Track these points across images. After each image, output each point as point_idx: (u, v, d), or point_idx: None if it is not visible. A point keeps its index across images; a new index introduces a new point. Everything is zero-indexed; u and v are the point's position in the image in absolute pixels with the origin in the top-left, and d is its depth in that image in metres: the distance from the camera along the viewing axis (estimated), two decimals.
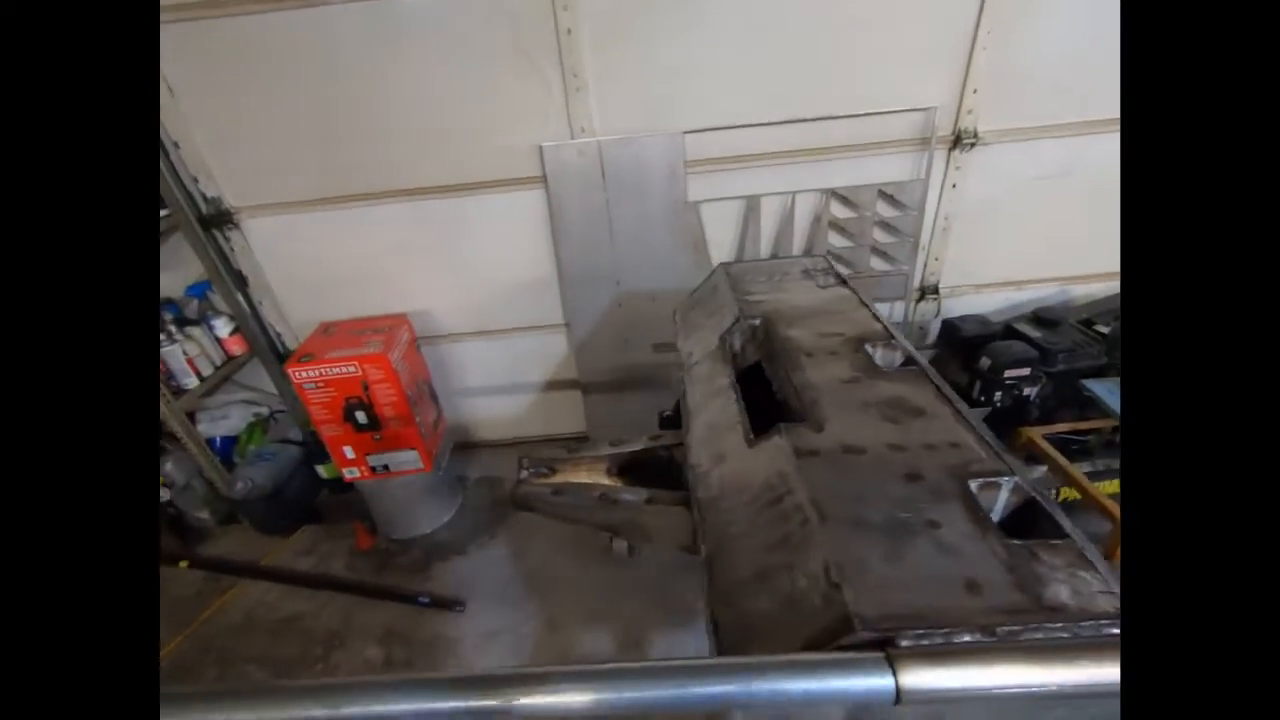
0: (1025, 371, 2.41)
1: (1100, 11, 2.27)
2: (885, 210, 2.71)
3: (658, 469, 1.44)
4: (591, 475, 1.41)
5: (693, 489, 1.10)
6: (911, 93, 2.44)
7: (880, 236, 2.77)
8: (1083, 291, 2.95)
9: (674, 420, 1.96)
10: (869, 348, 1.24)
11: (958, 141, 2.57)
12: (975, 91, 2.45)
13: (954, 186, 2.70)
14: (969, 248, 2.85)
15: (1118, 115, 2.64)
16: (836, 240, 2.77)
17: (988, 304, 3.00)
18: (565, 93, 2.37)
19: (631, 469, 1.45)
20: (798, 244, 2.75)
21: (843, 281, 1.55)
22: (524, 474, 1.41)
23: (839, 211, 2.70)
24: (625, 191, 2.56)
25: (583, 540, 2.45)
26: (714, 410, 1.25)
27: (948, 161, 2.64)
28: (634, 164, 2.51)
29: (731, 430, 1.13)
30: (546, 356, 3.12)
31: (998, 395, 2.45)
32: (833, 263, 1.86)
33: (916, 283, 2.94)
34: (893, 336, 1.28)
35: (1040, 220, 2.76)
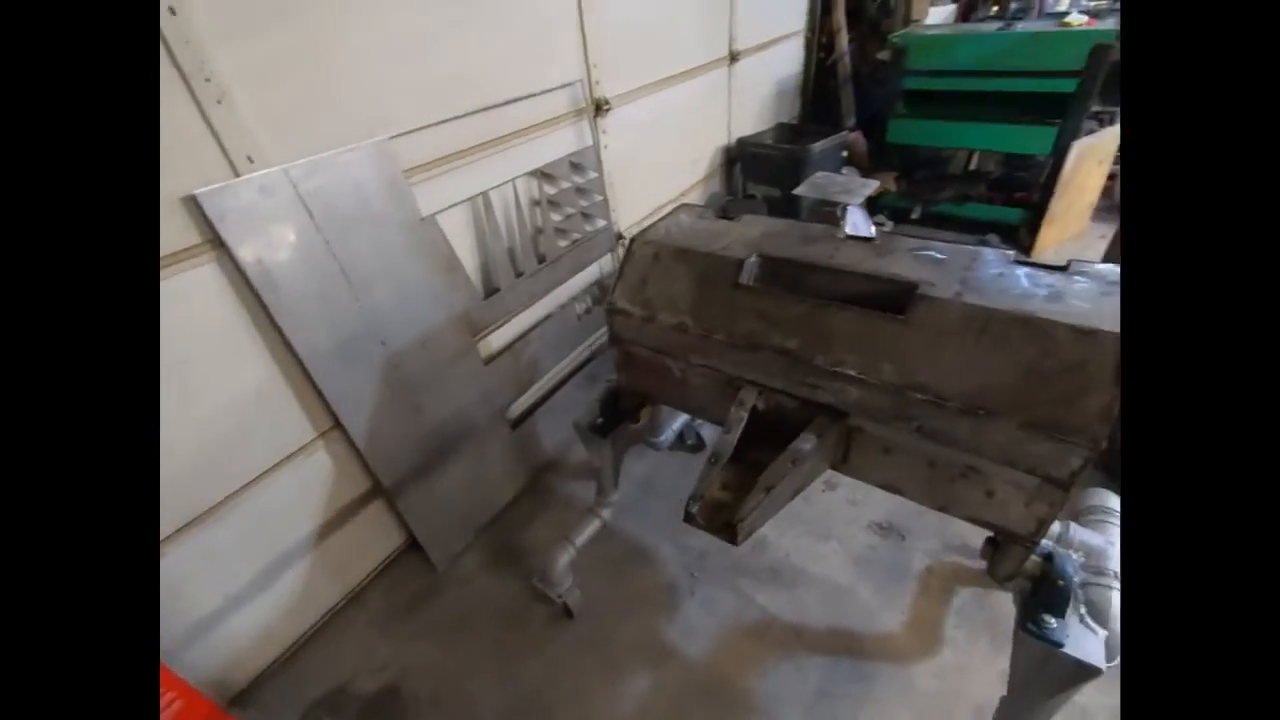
0: None
1: None
2: (578, 178, 2.88)
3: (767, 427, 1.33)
4: None
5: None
6: (562, 71, 2.63)
7: (583, 201, 2.95)
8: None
9: (611, 425, 1.76)
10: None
11: (599, 109, 2.93)
12: (596, 65, 2.82)
13: (606, 147, 3.08)
14: (630, 192, 3.36)
15: (680, 70, 3.50)
16: (555, 215, 2.80)
17: None
18: (199, 107, 1.52)
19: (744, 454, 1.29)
20: (529, 227, 2.66)
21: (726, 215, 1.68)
22: None
23: (549, 188, 2.73)
24: (346, 226, 1.90)
25: None
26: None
27: (595, 127, 2.98)
28: (344, 188, 1.87)
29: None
30: (311, 489, 2.13)
31: None
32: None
33: (614, 233, 3.29)
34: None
35: (657, 158, 3.50)
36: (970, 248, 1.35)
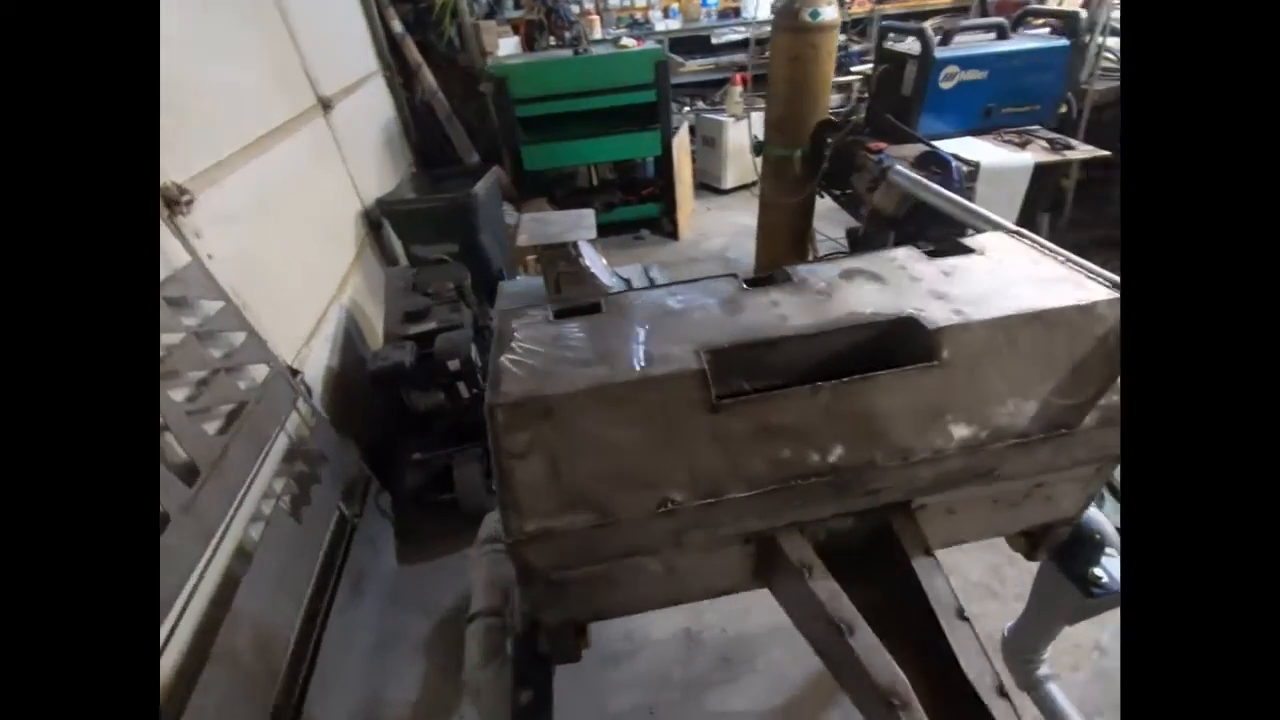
0: None
1: None
2: (189, 318, 1.72)
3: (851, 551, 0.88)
4: None
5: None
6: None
7: (216, 351, 1.78)
8: None
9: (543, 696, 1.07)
10: None
11: (171, 205, 1.80)
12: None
13: (211, 257, 1.95)
14: (276, 310, 2.28)
15: (267, 128, 2.43)
16: (179, 393, 1.60)
17: None
18: None
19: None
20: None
21: None
22: None
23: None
24: None
25: None
26: None
27: (180, 232, 1.83)
28: None
29: None
30: None
31: None
32: None
33: (284, 370, 2.16)
34: None
35: (286, 249, 2.47)
36: (885, 253, 1.17)
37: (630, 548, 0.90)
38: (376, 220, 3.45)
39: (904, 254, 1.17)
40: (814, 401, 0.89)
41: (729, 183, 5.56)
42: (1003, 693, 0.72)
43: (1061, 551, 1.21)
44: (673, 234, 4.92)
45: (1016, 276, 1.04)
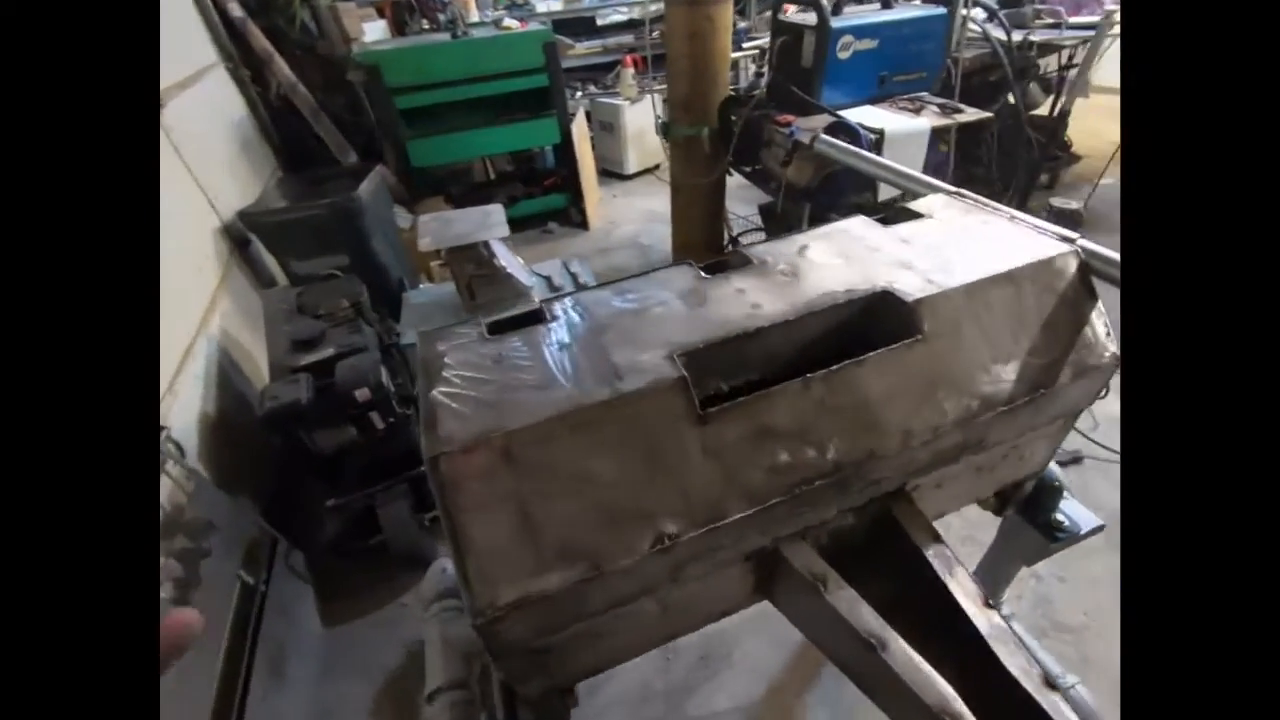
0: None
1: None
2: None
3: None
4: None
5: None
6: None
7: None
8: None
9: None
10: None
11: None
12: None
13: None
14: None
15: None
16: None
17: None
18: None
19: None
20: None
21: None
22: None
23: None
24: None
25: None
26: None
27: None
28: None
29: None
30: None
31: None
32: None
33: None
34: None
35: None
36: (837, 225, 1.11)
37: (623, 597, 0.76)
38: (242, 236, 2.97)
39: (856, 224, 1.11)
40: (807, 396, 0.80)
41: (632, 167, 5.45)
42: (1049, 684, 0.67)
43: (1026, 502, 1.24)
44: (582, 224, 4.75)
45: (973, 238, 1.02)
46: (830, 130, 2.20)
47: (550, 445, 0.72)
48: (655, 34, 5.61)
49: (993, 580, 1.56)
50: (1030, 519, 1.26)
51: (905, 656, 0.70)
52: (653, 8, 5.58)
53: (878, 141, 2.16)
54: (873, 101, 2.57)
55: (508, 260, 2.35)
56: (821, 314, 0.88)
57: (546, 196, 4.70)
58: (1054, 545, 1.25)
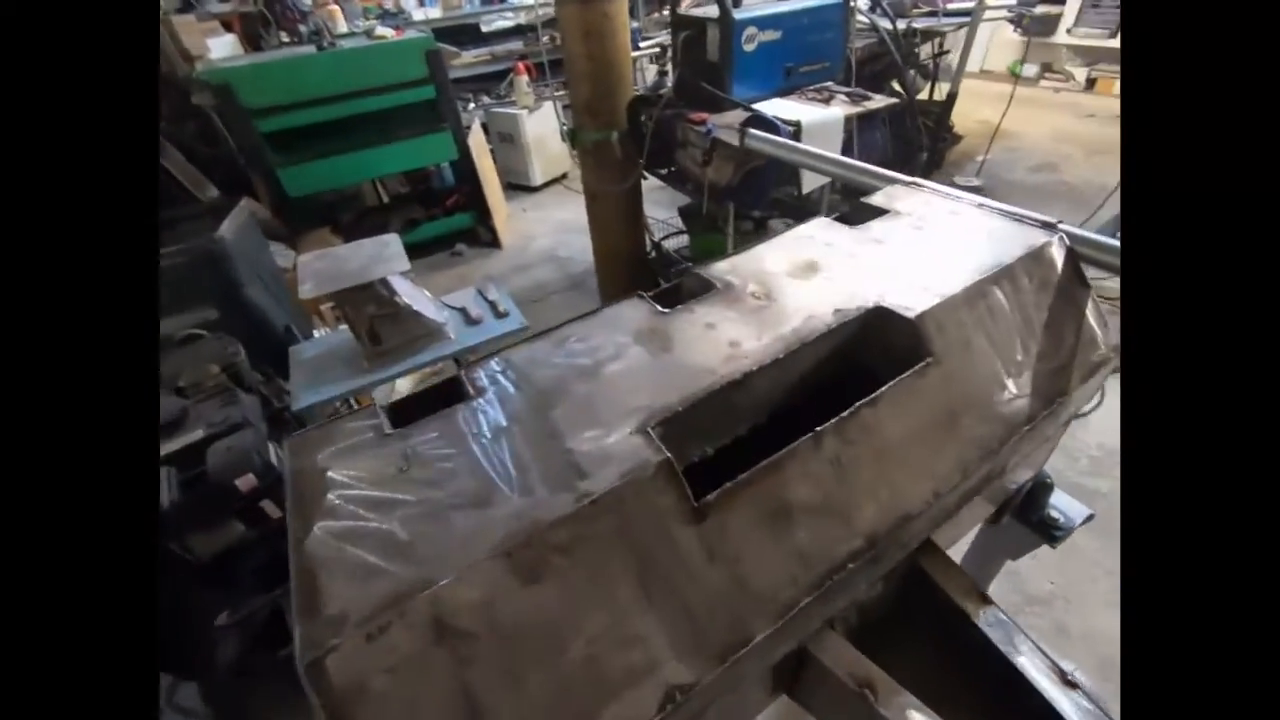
0: None
1: None
2: None
3: None
4: None
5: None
6: None
7: None
8: None
9: None
10: None
11: None
12: None
13: None
14: None
15: None
16: None
17: None
18: None
19: None
20: None
21: None
22: None
23: None
24: None
25: None
26: None
27: None
28: None
29: None
30: None
31: None
32: None
33: None
34: None
35: None
36: (797, 231, 0.96)
37: None
38: None
39: (817, 228, 0.97)
40: (819, 455, 0.63)
41: (538, 178, 5.20)
42: None
43: (1020, 505, 1.16)
44: (494, 243, 4.43)
45: (950, 232, 0.90)
46: (747, 125, 2.10)
47: (502, 598, 0.49)
48: (546, 39, 5.39)
49: (982, 579, 1.49)
50: (1025, 519, 1.18)
51: None
52: (541, 11, 5.36)
53: (795, 133, 2.08)
54: (781, 94, 2.52)
55: (412, 296, 2.05)
56: (813, 344, 0.72)
57: (450, 217, 4.34)
58: (1053, 543, 1.18)
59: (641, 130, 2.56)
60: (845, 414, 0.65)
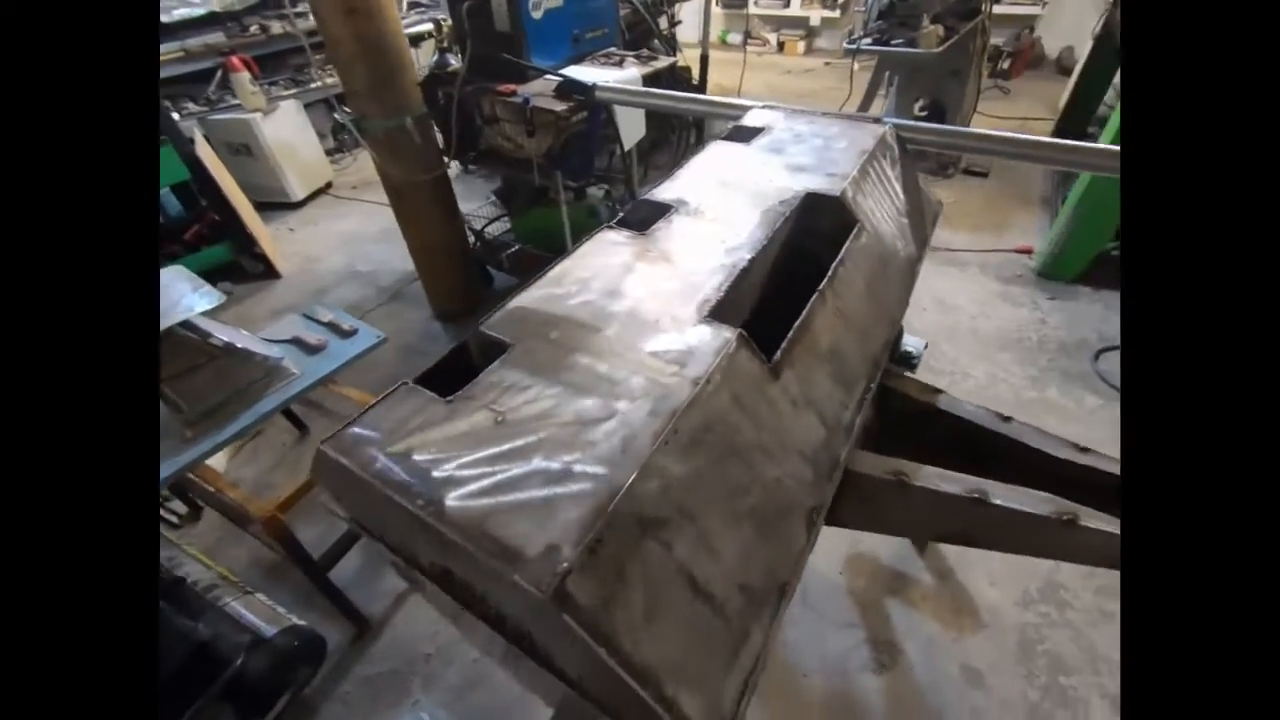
0: None
1: None
2: None
3: None
4: None
5: None
6: None
7: None
8: None
9: None
10: None
11: None
12: None
13: None
14: None
15: None
16: None
17: None
18: None
19: None
20: None
21: None
22: None
23: None
24: None
25: None
26: None
27: None
28: None
29: None
30: None
31: None
32: None
33: None
34: None
35: None
36: (705, 151, 1.08)
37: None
38: None
39: (719, 149, 1.10)
40: (826, 308, 0.77)
41: (300, 192, 4.48)
42: (1080, 448, 0.83)
43: None
44: (268, 273, 3.74)
45: (821, 136, 1.11)
46: (561, 90, 2.14)
47: (674, 483, 0.53)
48: (256, 28, 4.56)
49: None
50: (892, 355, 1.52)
51: (1003, 490, 0.77)
52: None
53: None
54: (574, 61, 2.59)
55: (231, 334, 1.67)
56: (780, 228, 0.85)
57: (198, 253, 3.52)
58: (912, 370, 1.53)
59: (443, 113, 2.41)
60: (830, 273, 0.79)
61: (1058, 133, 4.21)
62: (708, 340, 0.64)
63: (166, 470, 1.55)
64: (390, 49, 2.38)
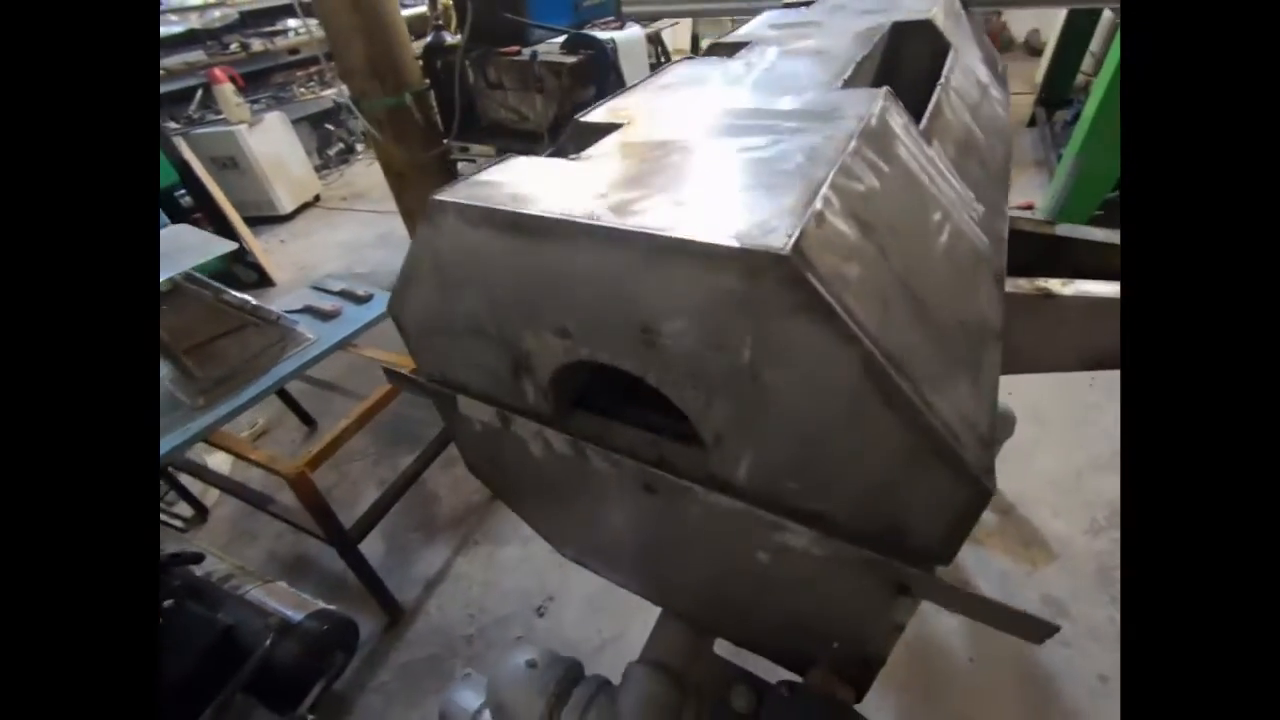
0: None
1: None
2: None
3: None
4: None
5: None
6: None
7: None
8: None
9: None
10: None
11: None
12: None
13: None
14: None
15: None
16: None
17: None
18: None
19: None
20: None
21: None
22: None
23: None
24: None
25: None
26: None
27: None
28: None
29: None
30: None
31: None
32: None
33: None
34: None
35: None
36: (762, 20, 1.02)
37: None
38: None
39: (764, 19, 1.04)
40: (950, 101, 0.70)
41: (288, 205, 4.39)
42: None
43: None
44: (262, 281, 3.61)
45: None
46: (570, 44, 2.10)
47: (867, 199, 0.44)
48: (236, 45, 4.53)
49: None
50: None
51: None
52: (218, 14, 4.48)
53: (615, 49, 2.17)
54: (577, 27, 2.57)
55: (242, 299, 1.56)
56: (871, 54, 0.79)
57: None
58: None
59: (445, 87, 2.36)
60: (944, 76, 0.73)
61: (1040, 104, 4.32)
62: (854, 97, 0.56)
63: (179, 439, 1.42)
64: (389, 21, 2.34)
